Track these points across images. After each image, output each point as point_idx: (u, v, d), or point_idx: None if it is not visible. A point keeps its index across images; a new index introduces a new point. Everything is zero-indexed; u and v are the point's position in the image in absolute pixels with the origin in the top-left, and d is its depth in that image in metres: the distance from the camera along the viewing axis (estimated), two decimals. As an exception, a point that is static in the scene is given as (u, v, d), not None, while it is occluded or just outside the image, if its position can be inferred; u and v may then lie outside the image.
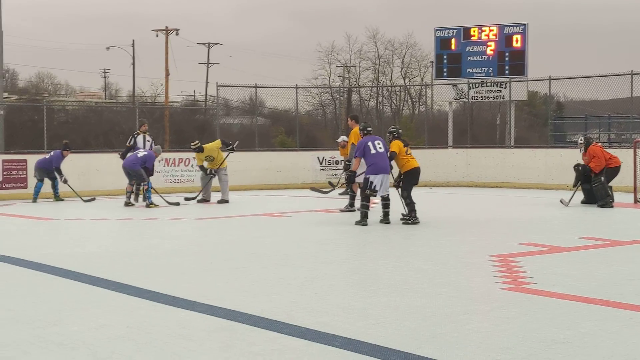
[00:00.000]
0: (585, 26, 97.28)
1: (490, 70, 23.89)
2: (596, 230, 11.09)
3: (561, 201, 14.56)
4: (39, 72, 64.77)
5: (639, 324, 5.37)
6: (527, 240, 9.56)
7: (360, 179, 12.19)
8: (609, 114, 30.77)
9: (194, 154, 16.69)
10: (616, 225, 11.93)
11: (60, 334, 5.15)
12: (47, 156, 16.87)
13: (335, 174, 20.82)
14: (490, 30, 23.98)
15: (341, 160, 18.96)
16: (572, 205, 14.30)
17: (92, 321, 5.50)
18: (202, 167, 16.14)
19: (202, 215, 13.70)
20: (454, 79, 24.43)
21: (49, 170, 16.62)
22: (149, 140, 16.41)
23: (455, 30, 24.39)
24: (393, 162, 11.95)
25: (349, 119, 14.50)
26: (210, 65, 54.74)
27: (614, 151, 16.61)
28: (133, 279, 7.14)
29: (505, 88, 23.34)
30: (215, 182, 16.24)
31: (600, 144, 16.90)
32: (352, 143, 13.23)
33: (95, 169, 18.93)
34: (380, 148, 11.61)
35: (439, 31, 24.54)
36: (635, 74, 19.82)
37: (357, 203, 12.62)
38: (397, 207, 11.90)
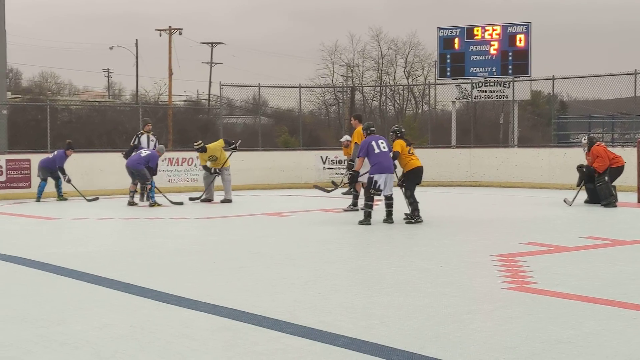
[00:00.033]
0: (588, 26, 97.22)
1: (493, 70, 23.87)
2: (600, 230, 11.07)
3: (565, 201, 14.55)
4: (43, 72, 64.91)
5: (642, 323, 5.37)
6: (531, 240, 9.55)
7: (363, 179, 12.19)
8: (612, 113, 30.74)
9: (197, 154, 16.69)
10: (620, 225, 11.91)
11: (64, 334, 5.16)
12: (51, 156, 16.88)
13: (339, 174, 20.83)
14: (493, 30, 23.97)
15: (344, 160, 18.97)
16: (575, 205, 14.29)
17: (96, 320, 5.50)
18: (205, 167, 16.15)
19: (205, 214, 13.71)
20: (457, 79, 24.42)
21: (53, 170, 16.64)
22: (152, 140, 16.41)
23: (458, 30, 24.37)
24: (396, 162, 11.95)
25: (352, 118, 14.48)
26: (213, 64, 54.89)
27: (617, 151, 16.58)
28: (136, 278, 7.14)
29: (508, 87, 23.32)
30: (218, 181, 16.24)
31: (603, 143, 16.87)
32: (356, 142, 13.22)
33: (98, 168, 18.95)
34: (384, 147, 11.61)
35: (442, 30, 24.53)
36: (639, 73, 19.80)
37: (361, 202, 12.63)
38: (400, 206, 11.90)
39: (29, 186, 17.85)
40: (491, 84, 23.55)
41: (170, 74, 46.60)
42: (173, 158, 19.98)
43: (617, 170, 14.60)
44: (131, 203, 15.26)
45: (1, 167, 17.74)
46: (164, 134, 31.24)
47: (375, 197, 11.63)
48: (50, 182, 16.79)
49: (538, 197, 16.72)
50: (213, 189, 16.21)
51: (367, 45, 61.92)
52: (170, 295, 6.33)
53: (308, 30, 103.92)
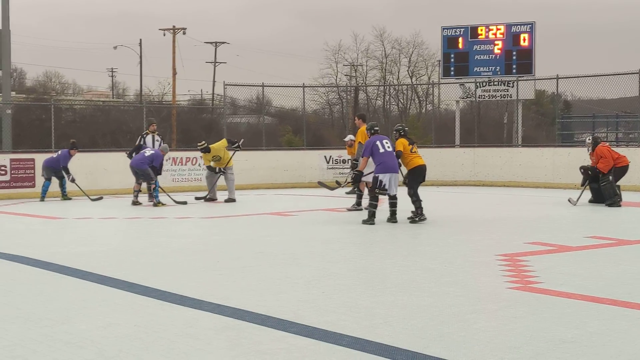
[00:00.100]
0: (593, 25, 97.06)
1: (497, 69, 23.84)
2: (604, 230, 11.06)
3: (569, 200, 14.53)
4: (47, 71, 65.09)
5: (647, 323, 5.36)
6: (535, 240, 9.54)
7: (367, 179, 12.18)
8: (616, 112, 30.70)
9: (200, 154, 16.70)
10: (624, 225, 11.89)
11: (68, 333, 5.17)
12: (55, 155, 16.90)
13: (342, 173, 20.83)
14: (497, 29, 23.94)
15: (348, 159, 18.97)
16: (579, 205, 14.27)
17: (100, 320, 5.51)
18: (209, 167, 16.17)
19: (209, 214, 13.71)
20: (461, 78, 24.39)
21: (57, 169, 16.66)
22: (157, 140, 16.40)
23: (462, 29, 24.35)
24: (400, 160, 11.95)
25: (356, 117, 14.49)
26: (217, 64, 54.91)
27: (621, 150, 16.57)
28: (140, 277, 7.15)
29: (512, 87, 23.28)
30: (221, 181, 16.25)
31: (607, 143, 16.85)
32: (359, 142, 13.23)
33: (102, 168, 18.97)
34: (388, 147, 11.61)
35: (446, 30, 24.50)
36: (643, 72, 19.76)
37: (365, 202, 12.62)
38: (404, 206, 11.89)
39: (33, 186, 17.88)
40: (495, 83, 23.52)
41: (174, 73, 46.64)
42: (177, 158, 19.99)
43: (621, 169, 14.58)
44: (135, 202, 15.27)
45: (5, 167, 17.77)
46: (167, 133, 31.25)
47: (380, 197, 11.62)
48: (55, 181, 16.81)
49: (542, 197, 16.70)
50: (216, 189, 16.22)
51: (371, 45, 62.04)
52: (174, 295, 6.33)
53: (312, 30, 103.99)
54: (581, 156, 16.82)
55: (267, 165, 21.12)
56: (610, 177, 14.26)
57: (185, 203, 15.35)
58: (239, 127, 33.53)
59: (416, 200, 11.68)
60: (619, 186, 14.41)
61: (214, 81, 53.35)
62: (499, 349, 4.68)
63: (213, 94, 52.02)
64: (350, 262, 8.32)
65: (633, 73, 20.08)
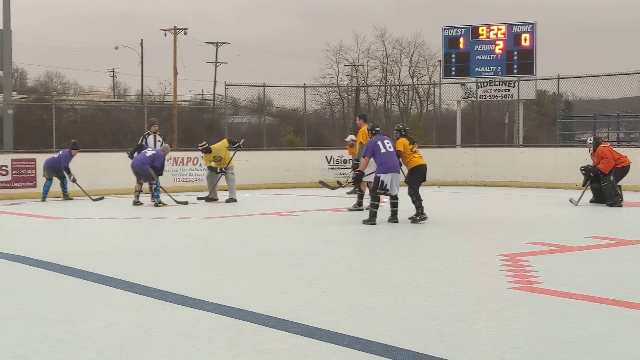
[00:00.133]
0: (594, 25, 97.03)
1: (498, 69, 23.85)
2: (605, 230, 11.05)
3: (570, 200, 14.53)
4: (48, 72, 65.04)
5: (648, 323, 5.36)
6: (536, 240, 9.53)
7: (368, 179, 12.18)
8: (618, 113, 30.69)
9: (202, 154, 16.70)
10: (625, 225, 11.89)
11: (69, 333, 5.17)
12: (56, 155, 16.91)
13: (343, 173, 20.83)
14: (498, 29, 23.95)
15: (349, 159, 18.98)
16: (581, 205, 14.26)
17: (101, 320, 5.51)
18: (210, 167, 16.17)
19: (210, 214, 13.72)
20: (462, 78, 24.40)
21: (58, 170, 16.67)
22: (159, 141, 16.40)
23: (463, 29, 24.35)
24: (401, 160, 11.95)
25: (357, 118, 14.49)
26: (218, 64, 54.90)
27: (623, 150, 16.56)
28: (141, 277, 7.15)
29: (513, 87, 23.29)
30: (222, 181, 16.25)
31: (609, 143, 16.84)
32: (360, 142, 13.23)
33: (103, 168, 18.97)
34: (389, 147, 11.61)
35: (447, 30, 24.51)
36: (644, 72, 19.77)
37: (366, 202, 12.61)
38: (405, 206, 11.89)
39: (35, 186, 17.89)
40: (496, 83, 23.53)
41: (175, 73, 46.68)
42: (178, 158, 20.00)
43: (622, 170, 14.57)
44: (136, 203, 15.28)
45: (7, 167, 17.78)
46: (169, 133, 31.29)
47: (381, 197, 11.62)
48: (56, 181, 16.81)
49: (543, 197, 16.69)
50: (217, 189, 16.22)
51: (372, 45, 62.23)
52: (175, 295, 6.33)
53: (312, 30, 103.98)
54: (582, 156, 16.81)
55: (268, 165, 21.12)
56: (612, 177, 14.25)
57: (186, 203, 15.35)
58: (240, 127, 33.55)
59: (416, 200, 11.68)
60: (620, 186, 14.41)
61: (215, 81, 53.39)
62: (500, 349, 4.68)
63: (214, 94, 52.06)
64: (351, 262, 8.32)
65: (634, 73, 20.10)
